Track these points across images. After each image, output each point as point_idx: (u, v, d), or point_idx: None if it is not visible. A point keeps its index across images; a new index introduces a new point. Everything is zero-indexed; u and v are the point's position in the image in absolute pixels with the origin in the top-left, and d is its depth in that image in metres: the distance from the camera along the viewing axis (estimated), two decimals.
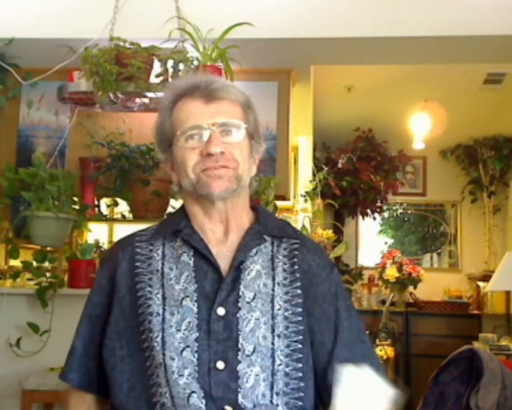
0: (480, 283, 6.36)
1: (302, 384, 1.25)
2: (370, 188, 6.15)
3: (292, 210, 5.47)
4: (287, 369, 1.24)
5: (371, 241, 7.08)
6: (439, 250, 7.11)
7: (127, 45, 3.28)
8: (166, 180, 3.72)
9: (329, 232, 3.71)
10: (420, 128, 5.92)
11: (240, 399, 1.20)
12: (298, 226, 4.80)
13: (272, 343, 1.25)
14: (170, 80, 3.27)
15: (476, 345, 4.68)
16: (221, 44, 3.30)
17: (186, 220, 1.37)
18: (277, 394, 1.23)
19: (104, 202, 3.92)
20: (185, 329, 1.24)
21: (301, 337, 1.28)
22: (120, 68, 3.18)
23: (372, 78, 5.09)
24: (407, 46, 3.78)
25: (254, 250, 1.33)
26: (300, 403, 1.25)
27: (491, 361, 2.65)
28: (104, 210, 3.93)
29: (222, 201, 1.33)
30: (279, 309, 1.28)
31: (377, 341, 5.72)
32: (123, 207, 3.85)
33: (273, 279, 1.32)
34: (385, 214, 7.03)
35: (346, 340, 1.34)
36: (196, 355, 1.22)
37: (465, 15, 3.52)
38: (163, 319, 1.26)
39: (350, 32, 3.61)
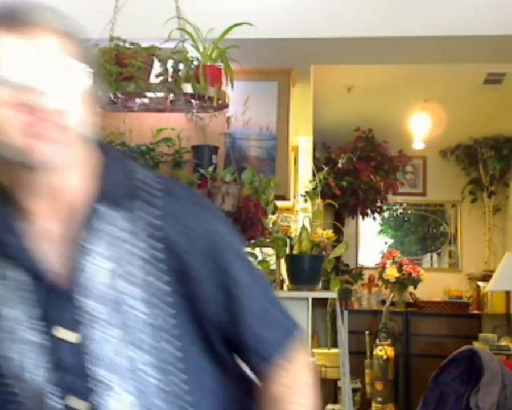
0: (480, 283, 6.36)
1: (190, 398, 1.02)
2: (370, 188, 6.15)
3: (292, 210, 5.47)
4: (164, 386, 1.00)
5: (371, 241, 7.08)
6: (439, 250, 7.11)
7: (127, 45, 3.28)
8: None
9: (329, 232, 3.71)
10: (420, 128, 5.92)
11: None
12: (298, 226, 4.81)
13: (138, 361, 0.98)
14: (170, 80, 3.27)
15: (476, 345, 4.68)
16: (221, 44, 3.30)
17: None
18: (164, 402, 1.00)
19: None
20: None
21: (177, 341, 1.00)
22: (120, 68, 3.18)
23: (372, 78, 5.09)
24: (407, 46, 3.78)
25: (98, 239, 0.98)
26: None
27: (491, 361, 2.65)
28: None
29: (46, 171, 0.95)
30: (139, 315, 0.98)
31: (377, 341, 5.72)
32: None
33: (125, 275, 0.98)
34: (385, 214, 7.03)
35: (253, 306, 1.05)
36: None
37: (465, 15, 3.52)
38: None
39: (350, 32, 3.61)
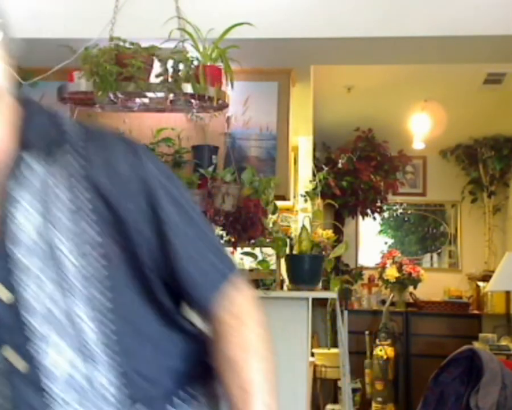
0: (480, 283, 6.36)
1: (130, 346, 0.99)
2: (370, 188, 6.16)
3: (292, 210, 5.47)
4: (104, 338, 0.97)
5: (371, 241, 7.08)
6: (439, 250, 7.11)
7: (127, 45, 3.28)
8: None
9: (329, 232, 3.71)
10: (420, 128, 5.92)
11: None
12: (298, 226, 4.81)
13: (75, 312, 0.95)
14: (170, 80, 3.27)
15: (476, 345, 4.68)
16: (220, 44, 3.30)
17: None
18: (85, 361, 0.96)
19: None
20: None
21: (109, 292, 0.96)
22: (120, 68, 3.18)
23: (372, 78, 5.09)
24: (407, 46, 3.78)
25: (25, 188, 0.94)
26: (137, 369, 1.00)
27: (491, 361, 2.65)
28: None
29: None
30: (70, 267, 0.94)
31: (377, 341, 5.72)
32: None
33: (52, 226, 0.94)
34: (385, 214, 7.03)
35: (181, 245, 1.02)
36: None
37: (465, 15, 3.52)
38: None
39: (350, 32, 3.62)
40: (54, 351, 0.93)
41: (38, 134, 0.98)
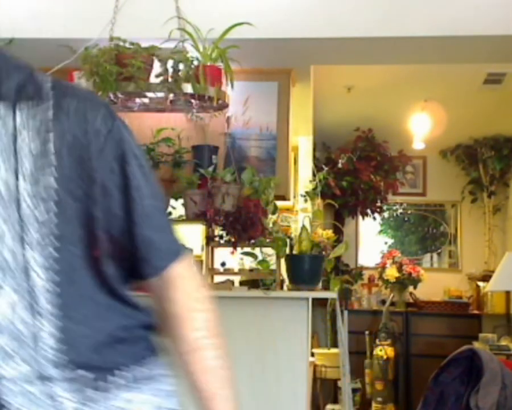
0: (480, 283, 6.36)
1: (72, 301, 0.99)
2: (370, 188, 6.15)
3: (292, 210, 5.47)
4: (49, 286, 0.95)
5: (371, 241, 7.08)
6: (439, 250, 7.11)
7: (127, 45, 3.28)
8: (166, 180, 3.72)
9: (329, 232, 3.71)
10: (420, 128, 5.92)
11: None
12: (298, 226, 4.81)
13: (23, 256, 0.93)
14: (170, 80, 3.27)
15: (476, 345, 4.68)
16: (220, 44, 3.31)
17: None
18: (38, 320, 0.95)
19: None
20: None
21: (56, 241, 0.95)
22: (120, 68, 3.18)
23: (372, 78, 5.09)
24: (407, 46, 3.78)
25: None
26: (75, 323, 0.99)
27: (491, 361, 2.65)
28: None
29: None
30: (26, 211, 0.93)
31: (377, 341, 5.72)
32: None
33: (16, 171, 0.93)
34: (385, 214, 7.03)
35: (145, 214, 1.05)
36: None
37: (465, 15, 3.53)
38: None
39: (350, 32, 3.62)
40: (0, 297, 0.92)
41: (5, 81, 0.97)
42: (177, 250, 1.10)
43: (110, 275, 1.03)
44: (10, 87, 0.96)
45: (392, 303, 6.09)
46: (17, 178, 0.93)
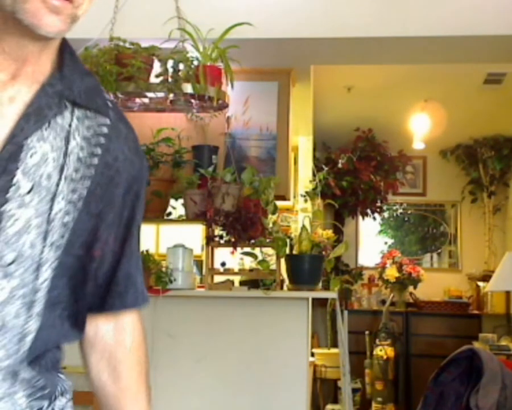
0: (480, 283, 6.36)
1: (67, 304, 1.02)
2: (370, 188, 6.15)
3: (292, 210, 5.48)
4: (51, 288, 0.97)
5: (371, 241, 7.08)
6: (439, 250, 7.11)
7: (127, 45, 3.28)
8: (166, 180, 3.72)
9: (329, 232, 3.71)
10: (420, 128, 5.93)
11: None
12: (298, 226, 4.81)
13: (41, 254, 0.93)
14: (170, 80, 3.27)
15: (476, 345, 4.68)
16: (220, 44, 3.30)
17: None
18: (33, 318, 0.95)
19: None
20: None
21: (79, 250, 1.00)
22: (120, 68, 3.18)
23: (372, 78, 5.10)
24: (407, 46, 3.78)
25: (47, 123, 0.92)
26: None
27: (491, 361, 2.65)
28: None
29: (40, 41, 0.91)
30: (58, 212, 0.94)
31: (377, 341, 5.72)
32: None
33: (62, 170, 0.93)
34: (385, 214, 7.03)
35: (133, 250, 1.08)
36: None
37: (465, 15, 3.53)
38: None
39: (350, 32, 3.62)
40: (6, 281, 0.92)
41: (81, 83, 0.99)
42: (147, 297, 1.14)
43: (80, 299, 1.04)
44: (81, 90, 0.97)
45: (392, 303, 6.09)
46: (60, 177, 0.93)
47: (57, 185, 0.93)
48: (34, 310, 0.95)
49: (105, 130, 0.99)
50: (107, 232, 1.02)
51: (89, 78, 1.01)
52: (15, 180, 0.89)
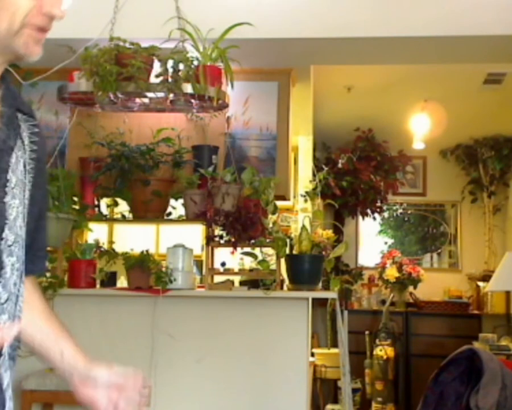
0: (480, 283, 6.36)
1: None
2: (370, 188, 6.15)
3: (292, 210, 5.48)
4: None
5: (371, 241, 7.08)
6: (439, 250, 7.11)
7: (127, 45, 3.28)
8: (166, 180, 3.72)
9: (329, 232, 3.71)
10: (420, 128, 5.92)
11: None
12: (298, 226, 4.81)
13: (23, 233, 1.16)
14: (170, 80, 3.27)
15: (476, 345, 4.68)
16: (220, 44, 3.31)
17: None
18: (22, 283, 1.19)
19: (104, 202, 3.92)
20: None
21: (30, 227, 1.21)
22: (120, 68, 3.18)
23: (372, 78, 5.10)
24: (407, 46, 3.78)
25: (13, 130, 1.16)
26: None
27: (491, 361, 2.65)
28: (104, 210, 3.93)
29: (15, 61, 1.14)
30: (27, 199, 1.17)
31: (377, 341, 5.72)
32: (123, 207, 3.85)
33: (25, 165, 1.16)
34: (385, 214, 7.03)
35: (44, 224, 1.29)
36: None
37: (465, 15, 3.53)
38: None
39: (350, 32, 3.62)
40: (10, 256, 1.14)
41: (13, 94, 1.18)
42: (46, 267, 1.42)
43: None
44: (24, 104, 1.21)
45: (392, 303, 6.08)
46: (25, 171, 1.16)
47: (25, 177, 1.16)
48: (23, 278, 1.18)
49: (36, 129, 1.20)
50: (37, 209, 1.21)
51: (14, 89, 1.21)
52: (8, 176, 1.12)
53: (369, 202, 6.28)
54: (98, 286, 3.54)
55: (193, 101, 3.38)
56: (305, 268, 3.45)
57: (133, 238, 5.07)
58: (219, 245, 3.58)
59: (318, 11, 3.62)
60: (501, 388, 2.59)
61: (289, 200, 4.56)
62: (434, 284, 6.49)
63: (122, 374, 1.28)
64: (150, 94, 3.38)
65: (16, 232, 1.13)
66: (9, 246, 1.12)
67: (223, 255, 4.05)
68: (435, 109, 5.63)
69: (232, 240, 3.44)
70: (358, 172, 6.08)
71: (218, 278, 3.72)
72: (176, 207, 3.82)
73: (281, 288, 3.55)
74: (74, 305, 3.52)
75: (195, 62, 3.31)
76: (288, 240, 3.51)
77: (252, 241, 3.47)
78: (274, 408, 3.50)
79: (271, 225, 3.48)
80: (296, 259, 3.48)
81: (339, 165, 5.92)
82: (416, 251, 7.12)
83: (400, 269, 6.16)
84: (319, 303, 5.79)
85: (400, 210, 7.17)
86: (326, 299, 5.26)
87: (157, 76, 3.29)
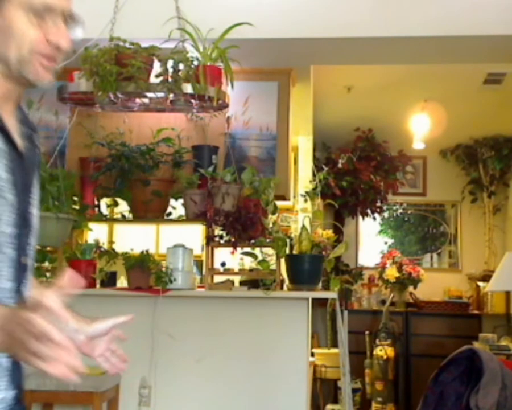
0: (480, 283, 6.36)
1: None
2: (370, 188, 6.15)
3: (292, 210, 5.48)
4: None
5: (371, 241, 7.08)
6: (439, 250, 7.11)
7: (127, 45, 3.28)
8: (166, 180, 3.72)
9: (329, 232, 3.71)
10: (420, 128, 5.92)
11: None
12: (298, 226, 4.81)
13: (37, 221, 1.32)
14: (170, 80, 3.27)
15: (476, 345, 4.68)
16: (220, 44, 3.31)
17: None
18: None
19: (104, 202, 3.92)
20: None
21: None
22: (120, 68, 3.18)
23: (372, 78, 5.10)
24: (407, 46, 3.78)
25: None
26: None
27: (491, 361, 2.65)
28: (104, 210, 3.93)
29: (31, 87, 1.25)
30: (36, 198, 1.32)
31: (377, 341, 5.72)
32: (123, 207, 3.85)
33: (37, 167, 1.34)
34: (385, 214, 7.03)
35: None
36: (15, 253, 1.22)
37: (465, 15, 3.53)
38: None
39: (350, 32, 3.62)
40: (30, 258, 1.29)
41: (30, 119, 1.37)
42: None
43: None
44: (25, 115, 1.36)
45: (392, 303, 6.08)
46: (37, 171, 1.33)
47: (36, 178, 1.32)
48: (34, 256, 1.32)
49: (37, 141, 1.34)
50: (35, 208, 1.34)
51: (24, 109, 1.36)
52: (33, 189, 1.28)
53: (369, 202, 6.28)
54: (98, 286, 3.54)
55: (193, 101, 3.38)
56: (305, 268, 3.45)
57: (133, 238, 5.07)
58: (219, 245, 3.58)
59: (318, 11, 3.62)
60: (501, 388, 2.59)
61: (289, 200, 4.56)
62: (434, 284, 6.48)
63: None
64: (150, 94, 3.38)
65: (35, 237, 1.29)
66: (32, 251, 1.28)
67: (223, 255, 4.05)
68: (435, 109, 5.63)
69: (232, 240, 3.44)
70: (358, 172, 6.08)
71: (218, 278, 3.72)
72: (176, 207, 3.82)
73: (281, 288, 3.55)
74: (74, 305, 3.52)
75: (195, 62, 3.31)
76: (288, 240, 3.51)
77: (252, 241, 3.47)
78: (274, 408, 3.50)
79: (271, 225, 3.48)
80: (296, 259, 3.48)
81: (339, 165, 5.92)
82: (416, 251, 7.12)
83: (400, 269, 6.16)
84: (319, 303, 5.79)
85: (400, 210, 7.17)
86: (326, 299, 5.26)
87: (157, 76, 3.29)
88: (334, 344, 5.37)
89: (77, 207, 3.59)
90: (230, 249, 3.52)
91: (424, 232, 7.15)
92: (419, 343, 6.11)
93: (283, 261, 3.52)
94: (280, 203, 3.82)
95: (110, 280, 3.55)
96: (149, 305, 3.50)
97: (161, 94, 3.34)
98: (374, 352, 5.69)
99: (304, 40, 3.67)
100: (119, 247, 3.82)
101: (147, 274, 3.46)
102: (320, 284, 3.61)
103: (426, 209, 7.15)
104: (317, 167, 4.14)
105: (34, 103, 4.01)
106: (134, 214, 3.75)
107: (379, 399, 5.66)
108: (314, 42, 3.71)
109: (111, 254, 3.59)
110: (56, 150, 3.74)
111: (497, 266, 5.14)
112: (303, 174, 5.23)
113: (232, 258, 4.26)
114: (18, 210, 1.20)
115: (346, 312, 3.93)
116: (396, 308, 6.13)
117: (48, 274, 3.51)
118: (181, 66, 3.28)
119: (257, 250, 3.73)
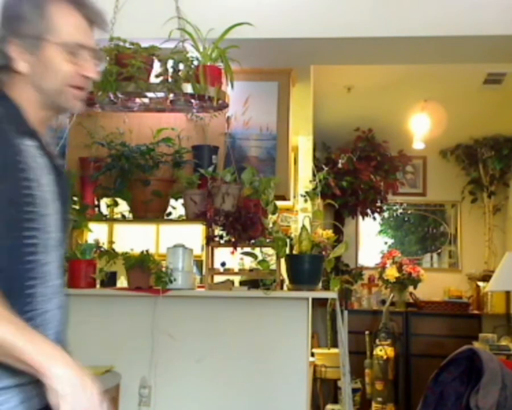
0: (480, 283, 6.36)
1: None
2: (370, 188, 6.16)
3: (292, 210, 5.48)
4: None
5: (371, 241, 7.08)
6: (439, 250, 7.11)
7: (127, 45, 3.28)
8: (166, 180, 3.72)
9: (329, 232, 3.71)
10: (420, 128, 5.93)
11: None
12: (298, 226, 4.80)
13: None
14: (170, 80, 3.27)
15: (476, 345, 4.68)
16: (220, 44, 3.31)
17: (24, 118, 1.39)
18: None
19: (104, 202, 3.92)
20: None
21: None
22: (120, 68, 3.19)
23: (372, 78, 5.10)
24: (407, 46, 3.78)
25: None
26: None
27: (491, 361, 2.65)
28: (104, 210, 3.93)
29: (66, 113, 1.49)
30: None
31: (377, 341, 5.72)
32: (123, 207, 3.85)
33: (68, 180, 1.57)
34: (385, 214, 7.04)
35: None
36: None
37: (465, 15, 3.53)
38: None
39: (350, 32, 3.62)
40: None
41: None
42: None
43: None
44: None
45: (392, 303, 6.08)
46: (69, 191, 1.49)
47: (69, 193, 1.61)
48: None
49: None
50: None
51: None
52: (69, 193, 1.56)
53: (369, 202, 6.28)
54: (98, 286, 3.54)
55: (193, 101, 3.38)
56: (305, 268, 3.45)
57: (133, 238, 5.07)
58: (219, 245, 3.58)
59: (318, 11, 3.62)
60: (501, 388, 2.59)
61: (289, 200, 4.56)
62: (434, 284, 6.49)
63: None
64: (150, 94, 3.38)
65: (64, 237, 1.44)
66: (63, 246, 1.43)
67: (223, 255, 4.05)
68: (435, 109, 5.63)
69: (232, 240, 3.44)
70: (358, 172, 6.08)
71: (218, 278, 3.72)
72: (176, 207, 3.82)
73: (281, 288, 3.55)
74: (74, 305, 3.52)
75: (195, 62, 3.31)
76: (288, 240, 3.51)
77: (252, 241, 3.47)
78: (274, 408, 3.50)
79: (271, 225, 3.48)
80: (296, 259, 3.48)
81: (339, 165, 5.92)
82: (416, 251, 7.12)
83: (400, 269, 6.16)
84: (319, 303, 5.79)
85: (400, 210, 7.17)
86: (326, 299, 5.26)
87: (157, 76, 3.29)
88: (334, 344, 5.38)
89: (77, 207, 3.59)
90: (230, 249, 3.52)
91: (424, 232, 7.15)
92: (419, 343, 6.11)
93: (283, 261, 3.51)
94: (280, 203, 3.82)
95: (110, 280, 3.55)
96: (149, 305, 3.50)
97: (161, 94, 3.33)
98: (374, 352, 5.69)
99: (304, 40, 3.67)
100: (119, 248, 3.81)
101: (147, 274, 3.46)
102: (320, 284, 3.61)
103: (426, 209, 7.15)
104: (317, 167, 4.14)
105: None
106: (134, 214, 3.74)
107: (379, 399, 5.66)
108: (314, 42, 3.71)
109: (111, 254, 3.59)
110: (55, 150, 3.73)
111: (497, 266, 5.15)
112: (303, 174, 5.23)
113: (232, 258, 4.25)
114: (62, 217, 1.40)
115: (346, 312, 3.93)
116: (396, 308, 6.13)
117: None
118: (181, 66, 3.28)
119: (257, 250, 3.73)
